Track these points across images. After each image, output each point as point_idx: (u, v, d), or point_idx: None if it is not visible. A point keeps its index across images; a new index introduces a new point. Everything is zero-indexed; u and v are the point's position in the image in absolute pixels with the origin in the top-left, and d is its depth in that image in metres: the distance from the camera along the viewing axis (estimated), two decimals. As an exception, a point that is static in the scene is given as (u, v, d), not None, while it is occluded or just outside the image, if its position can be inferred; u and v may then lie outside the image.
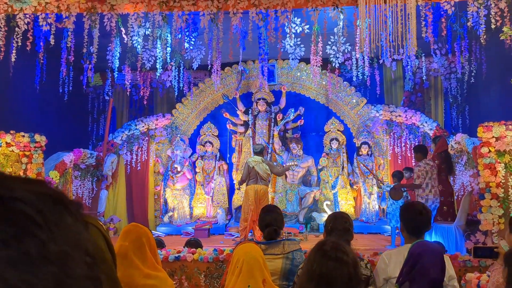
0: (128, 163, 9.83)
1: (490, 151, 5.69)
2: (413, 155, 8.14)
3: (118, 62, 7.48)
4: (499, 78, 7.65)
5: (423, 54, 8.43)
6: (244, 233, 7.42)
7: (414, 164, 8.00)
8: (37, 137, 6.74)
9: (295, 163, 9.29)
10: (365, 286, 2.71)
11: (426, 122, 9.19)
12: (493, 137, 5.68)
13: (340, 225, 2.99)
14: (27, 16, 6.70)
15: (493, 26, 6.10)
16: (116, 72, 7.71)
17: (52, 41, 6.88)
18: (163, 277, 2.27)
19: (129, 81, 8.43)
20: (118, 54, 7.40)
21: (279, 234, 3.23)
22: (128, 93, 9.25)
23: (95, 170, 9.07)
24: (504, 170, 5.64)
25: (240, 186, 8.07)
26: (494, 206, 5.60)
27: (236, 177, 9.63)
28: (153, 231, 8.51)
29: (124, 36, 7.12)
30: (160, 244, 6.08)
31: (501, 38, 5.91)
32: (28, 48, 6.79)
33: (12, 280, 0.36)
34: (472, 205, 6.61)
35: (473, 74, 8.10)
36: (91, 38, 7.01)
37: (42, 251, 0.39)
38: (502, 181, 5.63)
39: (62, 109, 8.96)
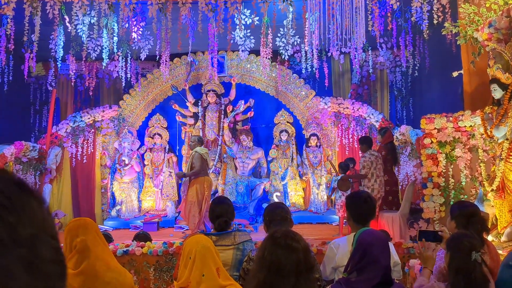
0: (73, 156, 9.52)
1: (432, 142, 5.91)
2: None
3: (62, 52, 7.20)
4: (440, 72, 7.95)
5: (369, 48, 8.64)
6: (199, 227, 7.20)
7: (360, 155, 8.20)
8: (-25, 129, 6.41)
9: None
10: None
11: (372, 114, 9.43)
12: (435, 128, 5.91)
13: (277, 215, 3.06)
14: (-38, 1, 6.33)
15: (435, 22, 6.32)
16: (60, 62, 7.43)
17: (-11, 28, 6.55)
18: (122, 271, 2.27)
19: (74, 71, 8.17)
20: (61, 43, 7.13)
21: (230, 225, 3.23)
22: (72, 84, 8.96)
23: (38, 164, 8.72)
24: (445, 160, 5.88)
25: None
26: (436, 195, 5.84)
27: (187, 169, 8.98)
28: (100, 226, 8.31)
29: (68, 24, 6.87)
30: (108, 238, 5.94)
31: (442, 33, 6.13)
32: (-37, 35, 6.43)
33: None
34: (415, 194, 6.85)
35: (416, 67, 8.39)
36: (32, 26, 6.71)
37: (11, 234, 0.39)
38: (443, 170, 5.88)
39: (1, 100, 8.56)
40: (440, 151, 5.90)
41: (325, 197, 9.55)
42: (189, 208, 7.35)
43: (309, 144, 9.80)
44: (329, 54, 7.58)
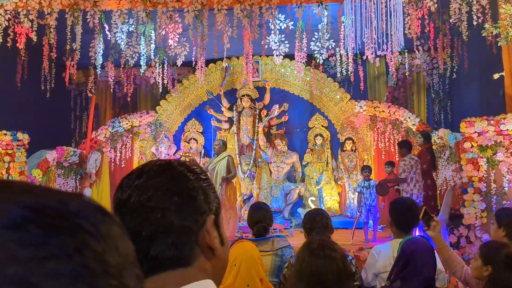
0: (112, 161, 9.74)
1: (472, 146, 5.77)
2: (397, 150, 8.22)
3: (101, 59, 7.39)
4: (480, 74, 7.77)
5: (406, 50, 8.51)
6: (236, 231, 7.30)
7: (398, 159, 8.08)
8: (20, 135, 6.63)
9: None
10: None
11: (409, 118, 9.27)
12: (475, 132, 5.77)
13: (318, 223, 3.03)
14: (8, 12, 6.59)
15: (475, 23, 6.18)
16: (99, 69, 7.62)
17: (33, 38, 6.77)
18: None
19: (112, 78, 8.35)
20: (101, 51, 7.32)
21: (268, 231, 3.25)
22: (111, 90, 9.16)
23: (78, 168, 8.96)
24: (487, 164, 5.73)
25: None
26: (477, 200, 5.69)
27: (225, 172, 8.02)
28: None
29: (107, 32, 7.04)
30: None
31: (482, 35, 5.99)
32: (9, 45, 6.68)
33: None
34: (455, 200, 6.70)
35: (455, 69, 8.21)
36: (73, 34, 6.92)
37: (101, 264, 0.39)
38: (485, 175, 5.73)
39: (44, 106, 8.83)
40: (481, 155, 5.75)
41: (361, 201, 9.43)
42: (228, 214, 7.32)
43: (344, 148, 9.71)
44: (364, 57, 7.50)
